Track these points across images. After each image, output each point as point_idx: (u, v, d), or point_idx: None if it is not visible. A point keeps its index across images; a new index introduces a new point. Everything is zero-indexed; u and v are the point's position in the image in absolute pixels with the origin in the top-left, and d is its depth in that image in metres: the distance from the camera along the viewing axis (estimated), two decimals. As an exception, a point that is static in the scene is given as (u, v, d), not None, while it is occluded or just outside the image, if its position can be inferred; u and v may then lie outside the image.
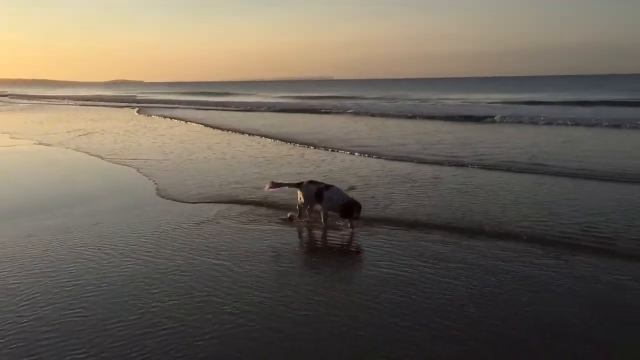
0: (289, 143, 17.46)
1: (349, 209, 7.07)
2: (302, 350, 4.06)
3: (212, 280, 5.47)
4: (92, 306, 4.87)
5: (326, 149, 15.79)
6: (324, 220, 7.47)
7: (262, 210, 8.46)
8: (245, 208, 8.59)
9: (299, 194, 7.62)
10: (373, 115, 30.87)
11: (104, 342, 4.18)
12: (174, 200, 9.27)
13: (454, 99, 45.68)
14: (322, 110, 34.61)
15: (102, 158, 14.77)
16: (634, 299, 4.91)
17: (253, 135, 20.54)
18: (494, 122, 24.66)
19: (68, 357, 3.99)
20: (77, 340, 4.22)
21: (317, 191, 7.39)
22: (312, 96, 59.63)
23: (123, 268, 5.89)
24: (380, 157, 13.89)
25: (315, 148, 15.99)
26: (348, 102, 43.91)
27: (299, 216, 7.72)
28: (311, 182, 7.70)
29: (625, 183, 10.14)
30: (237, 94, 74.34)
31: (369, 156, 14.12)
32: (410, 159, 13.52)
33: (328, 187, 7.44)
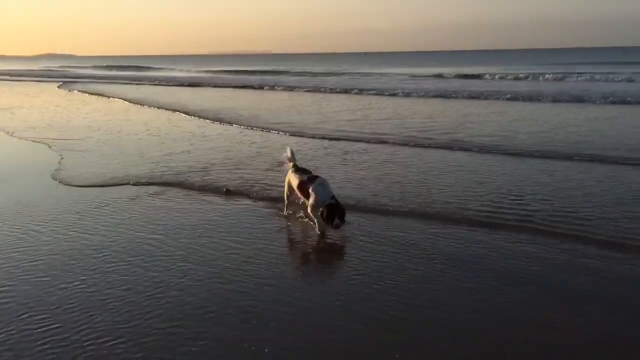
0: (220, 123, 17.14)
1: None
2: (232, 319, 4.30)
3: (146, 254, 5.64)
4: (39, 273, 5.17)
5: (252, 127, 15.72)
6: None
7: (183, 190, 8.36)
8: (159, 189, 8.48)
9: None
10: (312, 90, 30.76)
11: (52, 304, 4.50)
12: (70, 184, 8.91)
13: (393, 74, 45.80)
14: (263, 87, 34.13)
15: (12, 135, 14.36)
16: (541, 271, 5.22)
17: (174, 111, 20.25)
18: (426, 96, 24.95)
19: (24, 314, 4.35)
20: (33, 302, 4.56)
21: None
22: (249, 70, 58.10)
23: (57, 245, 5.95)
24: (306, 136, 13.83)
25: (251, 128, 15.83)
26: (284, 77, 43.35)
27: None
28: (298, 169, 6.87)
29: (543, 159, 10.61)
30: (168, 69, 71.59)
31: (300, 136, 14.01)
32: (341, 136, 13.55)
33: (312, 178, 6.49)
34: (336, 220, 5.93)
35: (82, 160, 10.65)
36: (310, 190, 6.28)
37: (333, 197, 6.14)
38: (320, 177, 6.48)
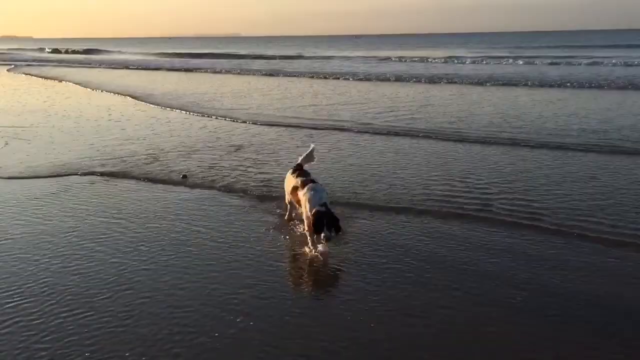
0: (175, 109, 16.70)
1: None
2: (204, 293, 4.51)
3: (110, 240, 5.72)
4: (4, 252, 5.36)
5: (210, 115, 15.45)
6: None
7: (136, 178, 8.21)
8: (108, 177, 8.34)
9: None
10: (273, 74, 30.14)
11: (22, 280, 4.73)
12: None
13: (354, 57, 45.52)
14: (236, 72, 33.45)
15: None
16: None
17: (119, 94, 19.98)
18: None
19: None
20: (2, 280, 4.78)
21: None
22: (213, 53, 56.67)
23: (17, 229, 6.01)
24: (262, 123, 13.46)
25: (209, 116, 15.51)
26: (250, 62, 42.51)
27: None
28: (295, 170, 6.17)
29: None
30: (118, 52, 68.72)
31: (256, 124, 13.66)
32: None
33: (306, 182, 5.72)
34: (325, 232, 5.01)
35: (22, 149, 10.21)
36: (300, 197, 5.56)
37: (324, 204, 5.27)
38: (314, 181, 5.70)
